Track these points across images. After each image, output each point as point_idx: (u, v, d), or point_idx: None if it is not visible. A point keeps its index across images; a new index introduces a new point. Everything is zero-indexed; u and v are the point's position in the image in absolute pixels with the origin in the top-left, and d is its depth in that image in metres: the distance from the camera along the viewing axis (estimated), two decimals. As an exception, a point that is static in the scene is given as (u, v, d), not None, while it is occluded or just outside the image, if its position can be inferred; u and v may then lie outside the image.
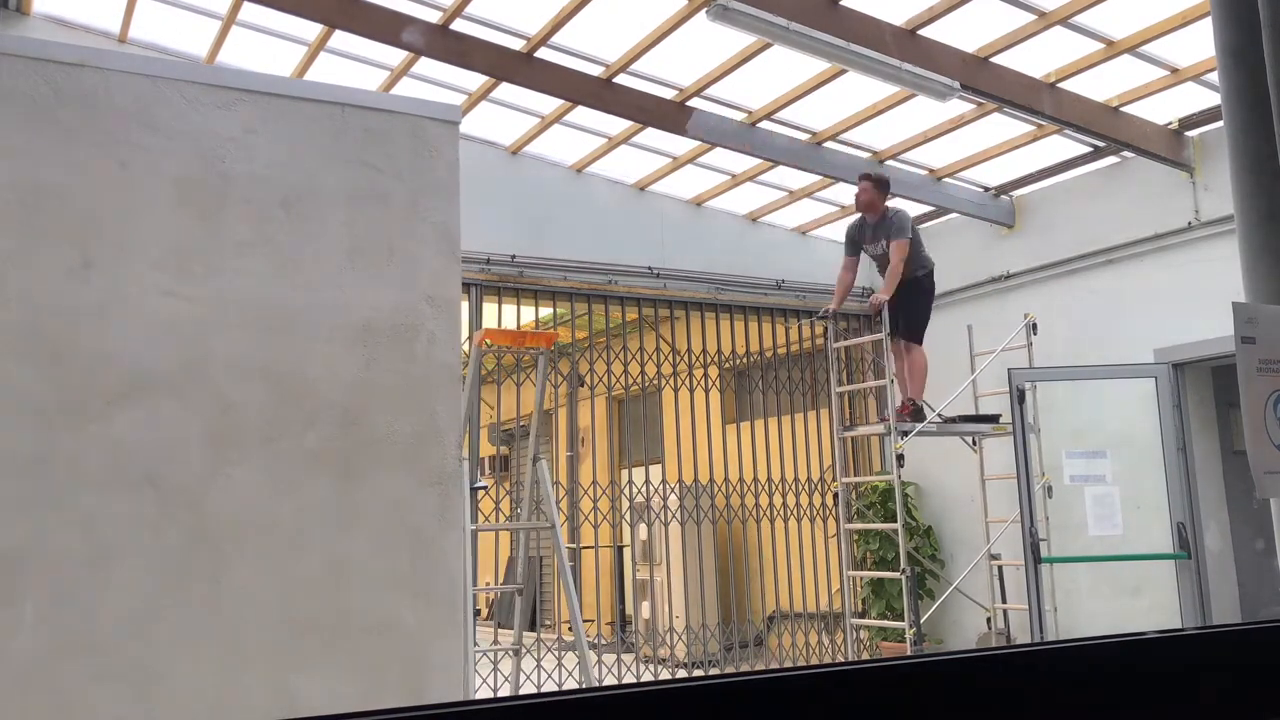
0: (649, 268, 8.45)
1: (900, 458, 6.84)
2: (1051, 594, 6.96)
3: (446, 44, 6.24)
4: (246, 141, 2.82)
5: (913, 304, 6.92)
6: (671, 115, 7.02)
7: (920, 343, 7.02)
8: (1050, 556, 6.68)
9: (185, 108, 2.75)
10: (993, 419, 7.29)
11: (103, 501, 2.49)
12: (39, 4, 6.49)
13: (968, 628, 8.51)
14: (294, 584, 2.67)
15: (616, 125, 7.54)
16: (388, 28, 6.03)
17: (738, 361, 9.07)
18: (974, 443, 7.67)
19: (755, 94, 7.04)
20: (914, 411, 7.01)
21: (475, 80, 6.95)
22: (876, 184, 6.92)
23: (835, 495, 8.39)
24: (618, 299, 8.35)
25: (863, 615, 9.03)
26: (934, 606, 7.91)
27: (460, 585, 3.00)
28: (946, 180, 8.07)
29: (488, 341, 5.04)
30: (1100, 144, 7.23)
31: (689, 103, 7.02)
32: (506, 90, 6.97)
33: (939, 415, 7.21)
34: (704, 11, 5.45)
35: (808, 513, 8.98)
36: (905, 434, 6.89)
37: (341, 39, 6.41)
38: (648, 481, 8.73)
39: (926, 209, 8.62)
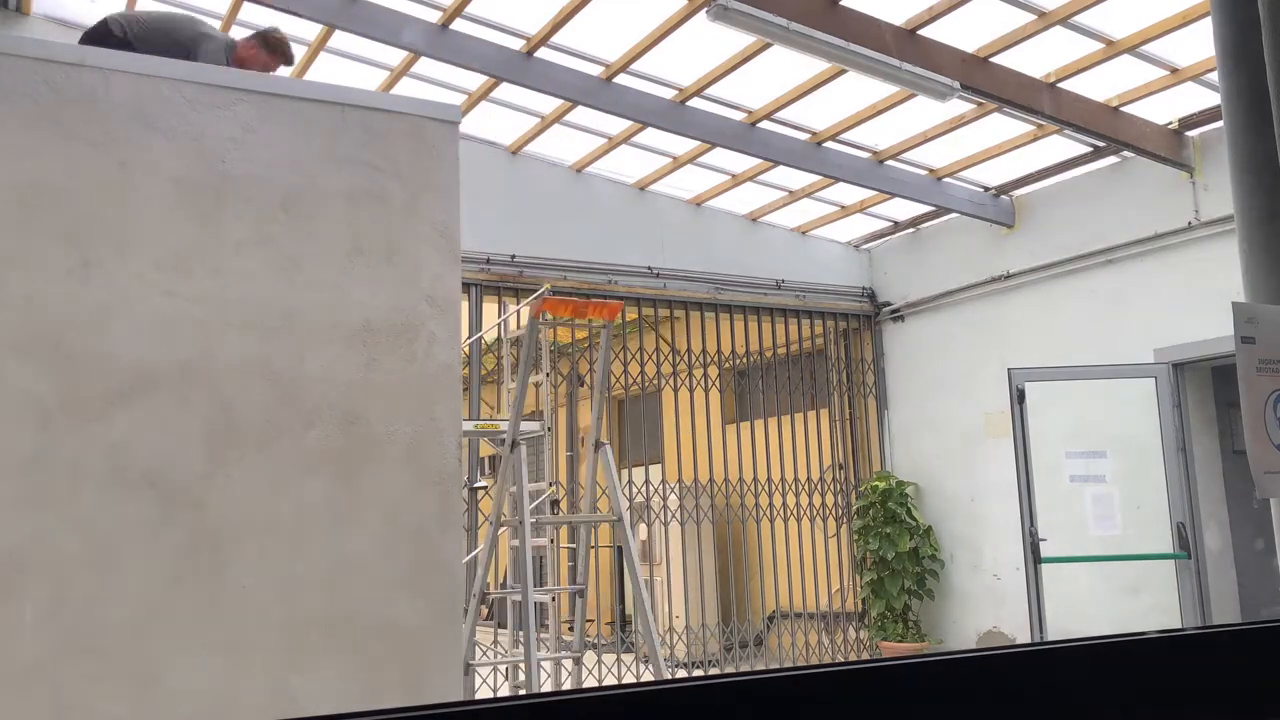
0: (649, 268, 8.45)
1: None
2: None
3: (447, 44, 6.24)
4: (246, 141, 2.82)
5: None
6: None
7: None
8: (1050, 556, 6.68)
9: (185, 108, 2.75)
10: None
11: (103, 501, 2.48)
12: (39, 4, 6.49)
13: (967, 628, 8.52)
14: (294, 584, 2.66)
15: (616, 125, 7.54)
16: (388, 28, 6.03)
17: (738, 361, 9.07)
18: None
19: (755, 94, 7.04)
20: None
21: (475, 80, 6.95)
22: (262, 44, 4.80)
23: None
24: (618, 299, 8.35)
25: (863, 615, 9.04)
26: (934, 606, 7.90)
27: (461, 585, 3.00)
28: (946, 180, 8.07)
29: (546, 314, 4.60)
30: (1100, 144, 7.23)
31: (689, 103, 7.03)
32: (506, 90, 6.97)
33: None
34: (704, 11, 5.45)
35: (808, 513, 8.99)
36: None
37: (341, 39, 6.41)
38: (647, 481, 8.73)
39: (926, 209, 8.63)
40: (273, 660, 2.62)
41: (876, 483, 8.86)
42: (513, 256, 7.80)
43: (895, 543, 8.51)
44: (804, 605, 8.94)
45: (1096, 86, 6.59)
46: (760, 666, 7.77)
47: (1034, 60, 6.30)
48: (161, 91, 2.74)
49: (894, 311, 9.29)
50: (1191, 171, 6.98)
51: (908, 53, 5.85)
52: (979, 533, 8.42)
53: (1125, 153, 7.28)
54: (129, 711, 2.45)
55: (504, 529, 6.71)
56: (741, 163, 8.01)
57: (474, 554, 6.48)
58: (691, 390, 8.63)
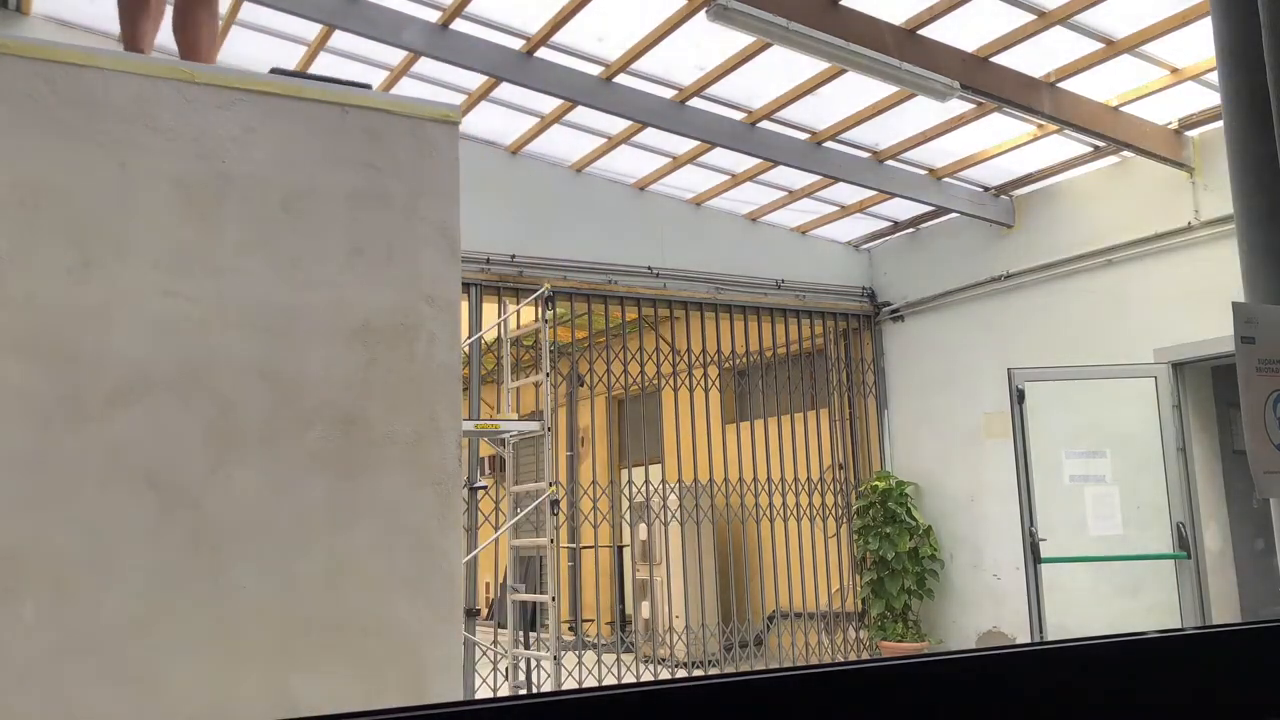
0: (649, 268, 8.45)
1: None
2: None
3: (447, 44, 6.25)
4: (246, 141, 2.81)
5: None
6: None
7: None
8: (1050, 556, 6.67)
9: (185, 108, 2.75)
10: None
11: (103, 501, 2.48)
12: (39, 4, 6.49)
13: (967, 628, 8.52)
14: (294, 584, 2.66)
15: (616, 125, 7.54)
16: (388, 28, 6.03)
17: (738, 361, 9.07)
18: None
19: (755, 94, 7.04)
20: None
21: (475, 80, 6.95)
22: None
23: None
24: (618, 299, 8.35)
25: (863, 615, 9.04)
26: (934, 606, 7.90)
27: (461, 585, 3.00)
28: (946, 180, 8.07)
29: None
30: (1100, 144, 7.23)
31: (689, 103, 7.02)
32: (506, 90, 6.97)
33: None
34: (704, 11, 5.44)
35: (807, 513, 8.99)
36: None
37: (341, 39, 6.41)
38: (647, 481, 8.73)
39: (926, 209, 8.63)
40: (273, 660, 2.62)
41: (876, 483, 8.86)
42: (513, 256, 7.80)
43: (895, 543, 8.51)
44: (804, 605, 8.94)
45: (1096, 86, 6.58)
46: (760, 666, 7.77)
47: (1034, 60, 6.30)
48: (161, 91, 2.74)
49: (894, 311, 9.29)
50: (1191, 171, 6.98)
51: (908, 53, 5.85)
52: (979, 533, 8.42)
53: (1125, 153, 7.27)
54: (129, 711, 2.45)
55: (504, 529, 6.71)
56: (741, 162, 8.01)
57: (474, 554, 6.49)
58: (691, 390, 8.63)
